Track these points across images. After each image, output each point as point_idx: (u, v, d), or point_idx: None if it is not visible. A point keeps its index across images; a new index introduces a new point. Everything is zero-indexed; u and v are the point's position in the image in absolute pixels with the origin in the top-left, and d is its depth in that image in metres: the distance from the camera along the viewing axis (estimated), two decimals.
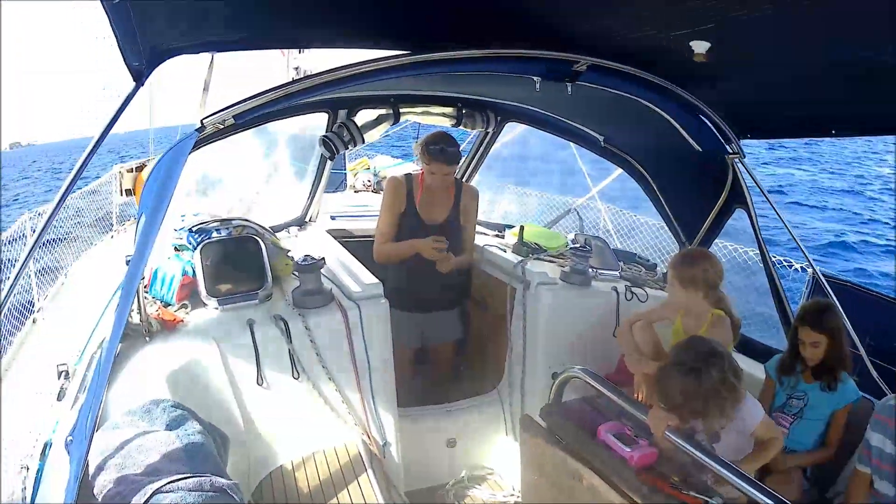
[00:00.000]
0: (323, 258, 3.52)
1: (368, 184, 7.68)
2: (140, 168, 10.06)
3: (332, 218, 5.49)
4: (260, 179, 5.49)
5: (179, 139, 2.18)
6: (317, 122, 4.32)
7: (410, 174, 4.34)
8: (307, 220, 5.17)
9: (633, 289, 4.07)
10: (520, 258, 4.36)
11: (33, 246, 2.44)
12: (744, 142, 3.51)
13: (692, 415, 2.55)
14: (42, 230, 2.37)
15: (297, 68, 9.94)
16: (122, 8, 1.87)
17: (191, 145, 2.13)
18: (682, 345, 2.69)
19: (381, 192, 7.56)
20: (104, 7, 1.85)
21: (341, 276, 3.79)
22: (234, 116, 2.40)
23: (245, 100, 2.46)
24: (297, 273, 3.53)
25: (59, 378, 3.81)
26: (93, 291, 6.01)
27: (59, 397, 3.71)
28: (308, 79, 2.49)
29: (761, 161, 31.81)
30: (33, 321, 6.95)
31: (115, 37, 2.07)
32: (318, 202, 5.14)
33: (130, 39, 2.14)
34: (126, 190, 10.16)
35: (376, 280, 3.66)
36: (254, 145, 6.82)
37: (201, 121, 2.25)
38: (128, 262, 5.62)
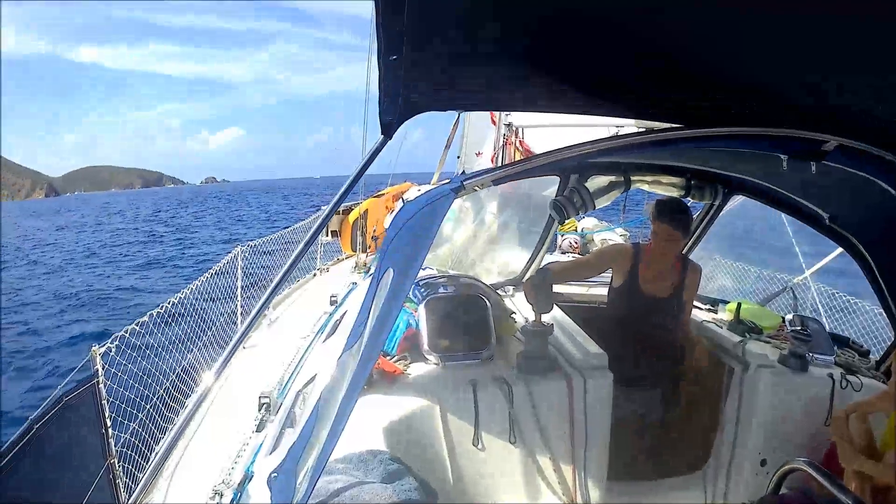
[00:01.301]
0: (552, 324, 3.46)
1: (575, 245, 7.56)
2: (347, 211, 10.57)
3: None
4: (483, 237, 5.54)
5: (434, 195, 2.15)
6: (537, 183, 4.28)
7: (639, 244, 4.25)
8: (524, 280, 5.10)
9: (848, 376, 3.77)
10: (739, 337, 4.17)
11: (279, 281, 2.50)
12: None
13: None
14: (289, 267, 2.42)
15: (508, 125, 10.07)
16: (396, 65, 1.87)
17: (449, 204, 2.08)
18: None
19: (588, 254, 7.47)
20: (379, 63, 1.85)
21: (564, 343, 3.71)
22: (493, 181, 2.37)
23: (508, 165, 2.43)
24: (522, 336, 3.48)
25: (259, 409, 3.91)
26: (294, 327, 6.25)
27: (259, 428, 3.78)
28: (575, 147, 2.42)
29: None
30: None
31: (380, 91, 2.10)
32: (538, 264, 5.09)
33: (392, 95, 2.16)
34: (332, 231, 10.70)
35: (601, 350, 3.55)
36: (478, 202, 6.90)
37: (462, 181, 2.22)
38: (332, 302, 5.78)
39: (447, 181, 2.69)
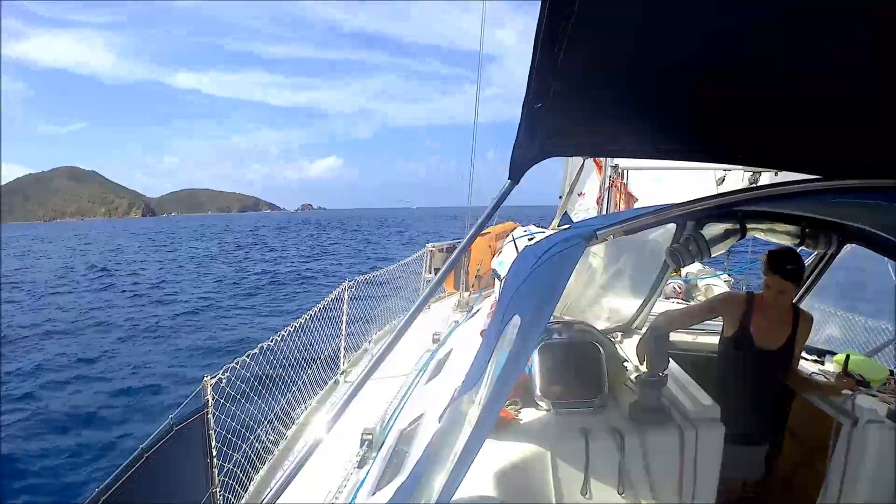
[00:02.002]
0: (666, 375, 3.44)
1: (679, 290, 7.30)
2: (451, 249, 10.56)
3: None
4: (595, 282, 5.43)
5: (563, 242, 2.08)
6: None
7: (752, 293, 4.17)
8: (633, 327, 4.98)
9: None
10: (849, 391, 4.03)
11: (409, 318, 2.47)
12: None
13: None
14: (417, 308, 2.39)
15: (614, 166, 9.88)
16: (539, 112, 1.86)
17: (580, 253, 2.01)
18: None
19: (692, 301, 7.20)
20: (523, 110, 1.87)
21: (677, 394, 3.63)
22: (625, 231, 2.29)
23: (642, 215, 2.33)
24: (636, 386, 3.45)
25: (361, 445, 3.86)
26: (396, 364, 6.25)
27: (360, 464, 3.75)
28: (712, 199, 2.32)
29: None
30: (335, 382, 7.34)
31: (518, 137, 2.11)
32: (648, 311, 4.97)
33: (528, 142, 2.16)
34: (435, 269, 10.71)
35: (712, 402, 3.49)
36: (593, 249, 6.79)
37: (595, 231, 2.15)
38: (435, 340, 5.73)
39: (567, 226, 2.60)
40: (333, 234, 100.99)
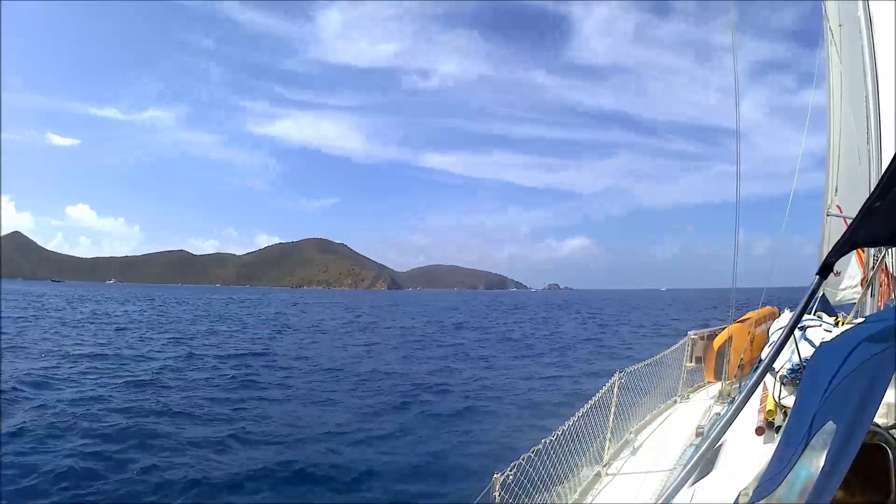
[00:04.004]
0: None
1: None
2: (711, 337, 10.21)
3: None
4: None
5: (874, 345, 2.01)
6: None
7: None
8: None
9: None
10: None
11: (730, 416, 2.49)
12: None
13: None
14: (727, 418, 2.40)
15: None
16: (874, 211, 1.86)
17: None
18: None
19: None
20: (861, 209, 1.90)
21: None
22: None
23: None
24: None
25: None
26: (658, 456, 6.10)
27: None
28: None
29: None
30: (597, 474, 7.25)
31: (845, 235, 2.11)
32: None
33: (851, 237, 2.13)
34: (696, 357, 10.39)
35: None
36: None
37: None
38: (699, 433, 5.52)
39: (863, 320, 2.50)
40: (570, 316, 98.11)
